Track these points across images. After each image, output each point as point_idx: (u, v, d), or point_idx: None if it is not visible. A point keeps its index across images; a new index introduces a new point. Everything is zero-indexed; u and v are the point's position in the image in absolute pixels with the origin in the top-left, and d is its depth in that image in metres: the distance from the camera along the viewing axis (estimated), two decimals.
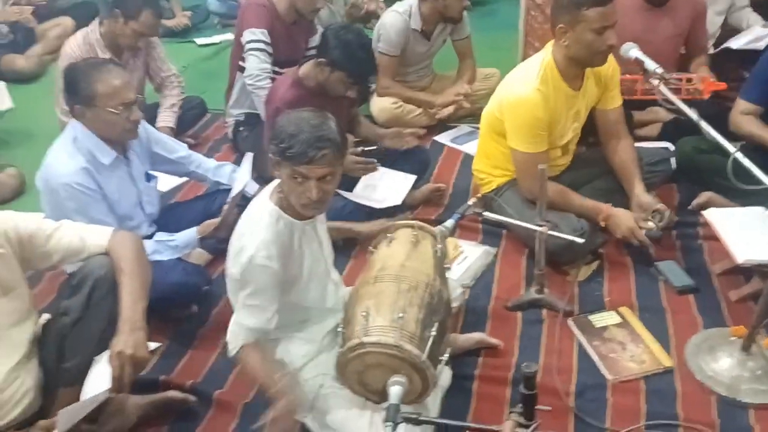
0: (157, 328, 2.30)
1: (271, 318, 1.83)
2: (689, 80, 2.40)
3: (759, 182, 1.81)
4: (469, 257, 2.61)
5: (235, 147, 3.35)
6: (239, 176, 2.44)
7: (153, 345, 1.68)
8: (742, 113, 2.56)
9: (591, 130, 2.74)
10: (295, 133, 1.70)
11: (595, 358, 2.14)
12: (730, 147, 1.86)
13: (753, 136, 2.50)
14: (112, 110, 2.12)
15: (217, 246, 2.58)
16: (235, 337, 1.83)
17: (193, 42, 4.92)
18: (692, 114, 1.94)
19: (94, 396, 1.61)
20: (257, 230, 1.77)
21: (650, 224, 2.38)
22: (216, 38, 4.89)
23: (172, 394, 2.02)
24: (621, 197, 2.58)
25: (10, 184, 3.10)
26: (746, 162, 1.84)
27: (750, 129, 2.51)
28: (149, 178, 2.42)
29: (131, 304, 1.67)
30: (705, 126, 1.90)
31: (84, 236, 1.78)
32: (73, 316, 1.72)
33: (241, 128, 3.27)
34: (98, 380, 1.62)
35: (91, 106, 2.12)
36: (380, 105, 3.43)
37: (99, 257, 1.76)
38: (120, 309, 1.66)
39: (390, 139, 2.94)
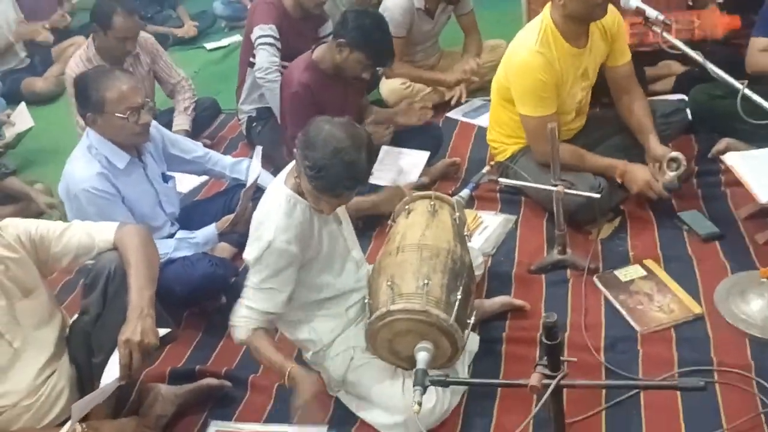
0: (190, 322, 2.39)
1: (284, 302, 1.86)
2: (699, 16, 2.34)
3: None
4: (489, 227, 2.62)
5: (250, 143, 3.40)
6: (251, 170, 2.48)
7: (163, 331, 1.71)
8: (760, 51, 2.50)
9: (603, 90, 2.71)
10: (326, 167, 1.68)
11: (622, 311, 2.13)
12: (737, 84, 1.83)
13: None
14: (121, 115, 2.16)
15: (240, 240, 2.63)
16: (246, 321, 1.85)
17: (203, 47, 4.98)
18: (697, 56, 1.92)
19: (105, 386, 1.64)
20: (275, 216, 1.79)
21: (667, 176, 2.35)
22: (225, 41, 4.95)
23: (209, 381, 2.07)
24: (638, 153, 2.55)
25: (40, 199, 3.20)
26: (756, 97, 1.80)
27: None
28: (166, 179, 2.47)
29: (138, 292, 1.71)
30: (711, 66, 1.87)
31: (92, 233, 1.83)
32: (93, 313, 1.77)
33: (254, 124, 3.31)
34: (111, 369, 1.66)
35: (101, 113, 2.18)
36: (390, 87, 3.45)
37: (108, 253, 1.80)
38: (128, 298, 1.70)
39: (403, 116, 2.93)
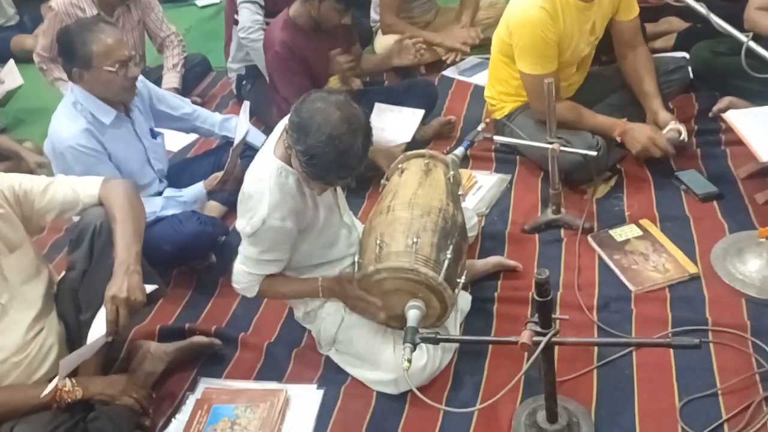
0: (180, 280, 2.36)
1: (285, 264, 1.84)
2: None
3: None
4: (483, 186, 2.57)
5: (240, 101, 3.32)
6: (238, 127, 2.42)
7: (150, 288, 1.68)
8: (758, 9, 2.43)
9: (604, 48, 2.65)
10: (319, 155, 1.57)
11: (617, 271, 2.10)
12: (741, 36, 1.77)
13: None
14: (109, 69, 2.10)
15: (230, 198, 2.59)
16: (251, 284, 1.83)
17: (194, 4, 4.88)
18: (701, 8, 1.85)
19: (92, 342, 1.62)
20: (266, 191, 1.70)
21: (670, 133, 2.31)
22: None
23: (198, 338, 2.06)
24: (636, 112, 2.50)
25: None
26: (760, 50, 1.74)
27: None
28: (155, 135, 2.42)
29: (124, 248, 1.67)
30: (714, 18, 1.81)
31: (76, 188, 1.79)
32: (80, 269, 1.74)
33: (243, 82, 3.24)
34: (98, 326, 1.64)
35: (88, 68, 2.11)
36: (384, 42, 3.36)
37: (94, 208, 1.76)
38: (114, 254, 1.67)
39: (396, 57, 2.79)
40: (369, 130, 1.64)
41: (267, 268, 1.82)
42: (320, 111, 1.58)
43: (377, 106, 2.80)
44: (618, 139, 2.41)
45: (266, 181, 1.71)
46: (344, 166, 1.60)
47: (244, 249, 1.82)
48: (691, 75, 2.67)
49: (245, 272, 1.83)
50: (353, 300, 1.83)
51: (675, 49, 3.01)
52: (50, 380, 1.67)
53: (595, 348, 1.87)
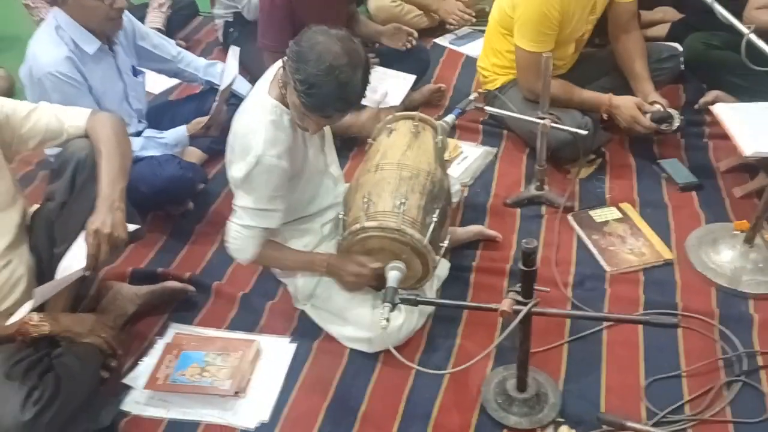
0: (155, 224, 2.31)
1: (282, 217, 1.79)
2: None
3: None
4: (469, 157, 2.57)
5: (226, 49, 3.23)
6: (226, 71, 2.36)
7: (132, 227, 1.64)
8: (757, 8, 2.45)
9: (597, 31, 2.64)
10: (318, 84, 1.52)
11: (594, 251, 2.13)
12: (743, 28, 1.78)
13: None
14: None
15: (212, 146, 2.54)
16: (248, 240, 1.76)
17: None
18: None
19: (69, 274, 1.58)
20: (260, 128, 1.66)
21: (655, 106, 2.33)
22: None
23: (172, 283, 2.02)
24: (627, 95, 2.50)
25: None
26: (760, 43, 1.76)
27: None
28: (136, 72, 2.34)
29: (110, 184, 1.62)
30: (718, 7, 1.81)
31: (61, 117, 1.72)
32: (59, 200, 1.69)
33: (231, 30, 3.16)
34: (74, 258, 1.59)
35: None
36: (378, 3, 3.31)
37: (79, 140, 1.70)
38: (98, 189, 1.62)
39: (388, 37, 2.84)
40: (368, 66, 1.60)
41: (264, 219, 1.74)
42: (321, 42, 1.54)
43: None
44: (605, 115, 2.43)
45: (261, 119, 1.67)
46: (343, 99, 1.57)
47: (239, 200, 1.75)
48: (683, 66, 2.69)
49: (240, 227, 1.75)
50: (350, 276, 1.78)
51: (667, 39, 3.02)
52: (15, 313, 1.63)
53: (567, 323, 1.90)
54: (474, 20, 3.34)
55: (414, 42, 2.87)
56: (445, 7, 3.32)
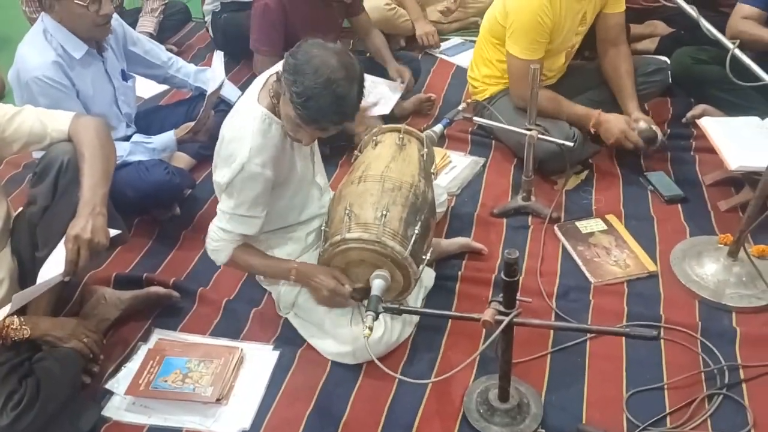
0: (141, 229, 2.31)
1: (260, 225, 1.79)
2: None
3: (757, 79, 1.75)
4: (457, 167, 2.58)
5: (214, 44, 3.26)
6: (213, 75, 2.36)
7: (114, 232, 1.63)
8: (742, 18, 2.47)
9: (587, 44, 2.66)
10: (316, 96, 1.53)
11: (579, 262, 2.13)
12: (728, 43, 1.79)
13: (754, 38, 2.39)
14: (79, 2, 2.01)
15: (200, 151, 2.55)
16: (224, 243, 1.78)
17: None
18: (691, 10, 1.86)
19: (47, 279, 1.57)
20: (248, 136, 1.66)
21: (642, 124, 2.35)
22: None
23: (156, 289, 2.01)
24: (614, 109, 2.52)
25: None
26: (744, 58, 1.77)
27: (753, 31, 2.40)
28: (126, 77, 2.34)
29: (91, 189, 1.61)
30: (704, 23, 1.82)
31: (45, 121, 1.71)
32: (42, 204, 1.68)
33: (219, 17, 3.18)
34: (55, 263, 1.58)
35: None
36: (372, 3, 3.30)
37: (62, 144, 1.70)
38: (80, 193, 1.61)
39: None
40: (363, 81, 1.62)
41: (241, 225, 1.76)
42: (318, 55, 1.55)
43: None
44: (592, 130, 2.45)
45: (248, 127, 1.68)
46: (339, 112, 1.58)
47: (221, 204, 1.77)
48: (670, 79, 2.71)
49: (218, 229, 1.78)
50: (322, 290, 1.78)
51: (657, 53, 3.05)
52: None
53: (551, 334, 1.90)
54: (439, 47, 3.42)
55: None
56: (421, 25, 3.38)
